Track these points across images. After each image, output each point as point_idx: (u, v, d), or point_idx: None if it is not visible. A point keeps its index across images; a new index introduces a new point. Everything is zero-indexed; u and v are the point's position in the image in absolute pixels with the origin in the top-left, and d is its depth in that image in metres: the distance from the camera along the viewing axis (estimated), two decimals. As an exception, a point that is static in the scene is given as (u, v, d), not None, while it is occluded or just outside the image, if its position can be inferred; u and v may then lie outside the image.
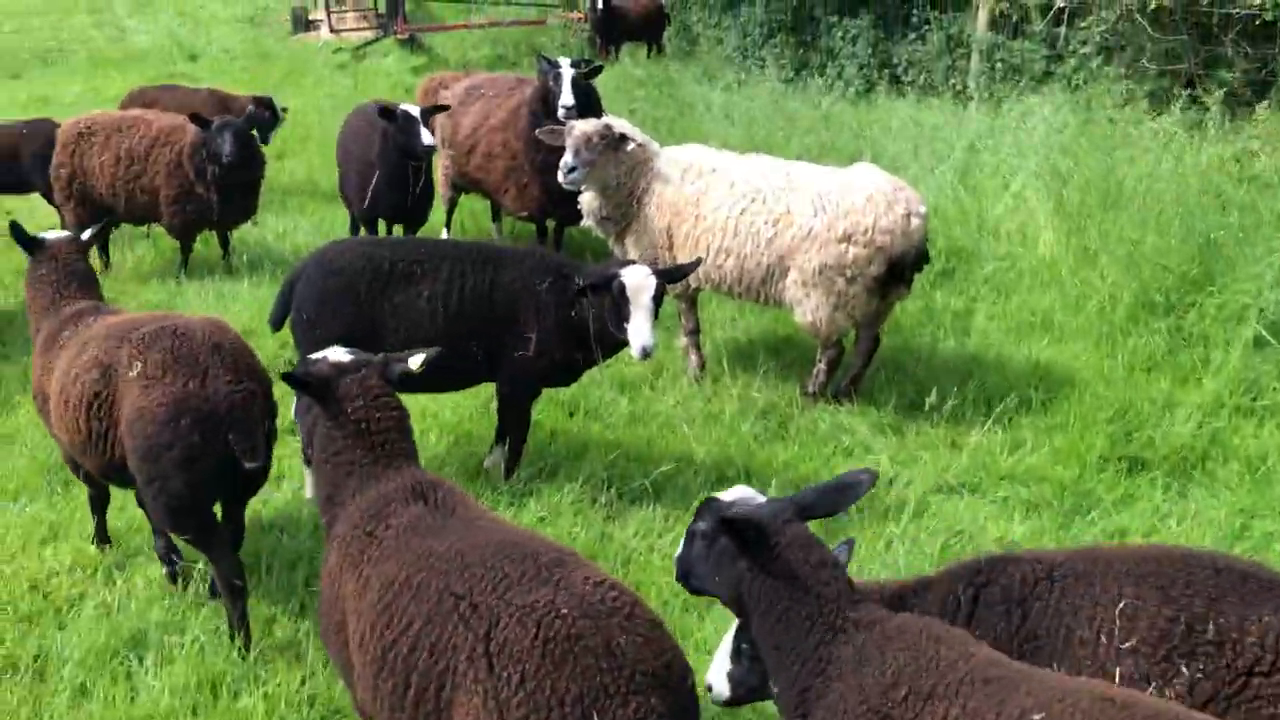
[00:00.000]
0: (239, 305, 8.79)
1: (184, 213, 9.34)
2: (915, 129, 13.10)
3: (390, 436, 3.86)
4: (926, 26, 16.95)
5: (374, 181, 8.74)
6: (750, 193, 7.22)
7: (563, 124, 8.67)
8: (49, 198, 10.64)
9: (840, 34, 17.98)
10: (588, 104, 9.19)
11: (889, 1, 18.03)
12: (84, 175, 9.39)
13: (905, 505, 5.95)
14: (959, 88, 16.17)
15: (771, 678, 3.19)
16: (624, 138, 7.50)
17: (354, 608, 3.47)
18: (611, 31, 21.25)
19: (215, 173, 9.10)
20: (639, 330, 5.47)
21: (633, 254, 7.76)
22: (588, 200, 7.82)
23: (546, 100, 9.26)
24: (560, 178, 7.44)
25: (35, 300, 5.58)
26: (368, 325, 5.73)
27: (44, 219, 11.46)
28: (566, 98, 9.01)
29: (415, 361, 4.14)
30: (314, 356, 4.07)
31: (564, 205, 9.46)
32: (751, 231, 7.15)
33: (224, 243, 10.02)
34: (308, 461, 4.44)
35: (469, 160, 9.97)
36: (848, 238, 6.84)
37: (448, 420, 6.88)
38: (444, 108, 8.94)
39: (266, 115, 11.76)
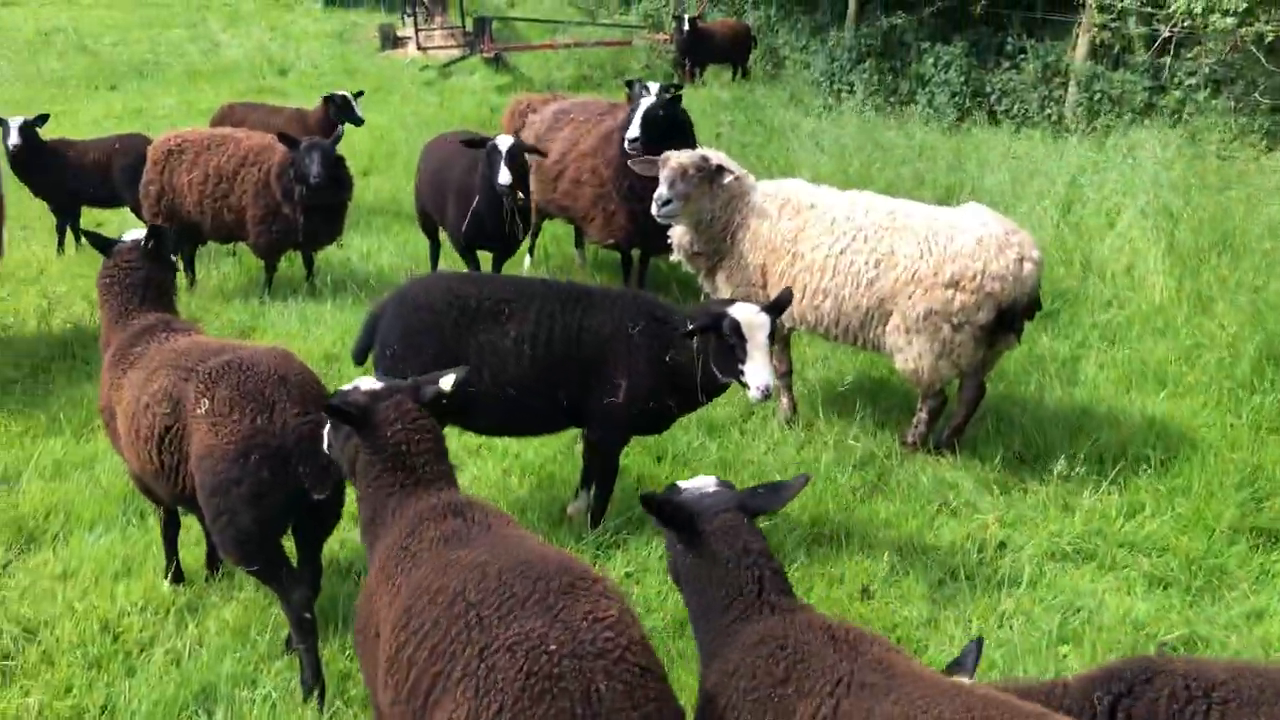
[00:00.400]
0: (322, 328, 8.58)
1: (270, 233, 9.18)
2: (1014, 161, 12.58)
3: (428, 458, 3.82)
4: (1022, 55, 16.40)
5: (473, 207, 8.48)
6: (851, 231, 6.84)
7: (638, 153, 8.43)
8: (138, 212, 10.57)
9: (932, 61, 17.49)
10: (667, 133, 8.79)
11: (982, 29, 17.50)
12: (172, 192, 9.29)
13: (1019, 575, 5.51)
14: (1054, 118, 15.61)
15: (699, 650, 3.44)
16: (721, 170, 7.16)
17: (385, 617, 3.43)
18: (697, 53, 20.95)
19: (302, 193, 8.94)
20: (757, 371, 5.06)
21: (724, 291, 7.42)
22: (679, 234, 7.50)
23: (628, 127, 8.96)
24: (654, 210, 7.12)
25: (104, 308, 5.39)
26: (452, 363, 5.42)
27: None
28: (632, 129, 8.66)
29: (446, 382, 4.05)
30: (345, 387, 3.99)
31: (651, 235, 9.15)
32: (851, 272, 6.76)
33: (308, 264, 9.85)
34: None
35: (556, 186, 9.70)
36: (955, 283, 6.42)
37: (529, 461, 6.58)
38: (540, 151, 8.71)
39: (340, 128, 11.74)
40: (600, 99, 11.35)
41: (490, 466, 6.58)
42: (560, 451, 6.67)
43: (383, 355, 5.53)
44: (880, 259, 6.69)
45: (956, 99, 16.90)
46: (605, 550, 5.65)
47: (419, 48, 24.29)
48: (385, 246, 11.05)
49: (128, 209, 10.99)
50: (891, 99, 18.07)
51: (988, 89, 16.69)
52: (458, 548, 3.41)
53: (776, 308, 5.30)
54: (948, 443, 6.94)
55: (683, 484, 3.62)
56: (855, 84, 18.70)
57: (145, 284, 5.30)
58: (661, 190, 7.05)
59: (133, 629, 5.04)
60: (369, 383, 4.00)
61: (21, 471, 6.52)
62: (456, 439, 5.90)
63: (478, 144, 8.36)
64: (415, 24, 24.62)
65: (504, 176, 8.11)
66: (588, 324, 5.46)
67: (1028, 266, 6.44)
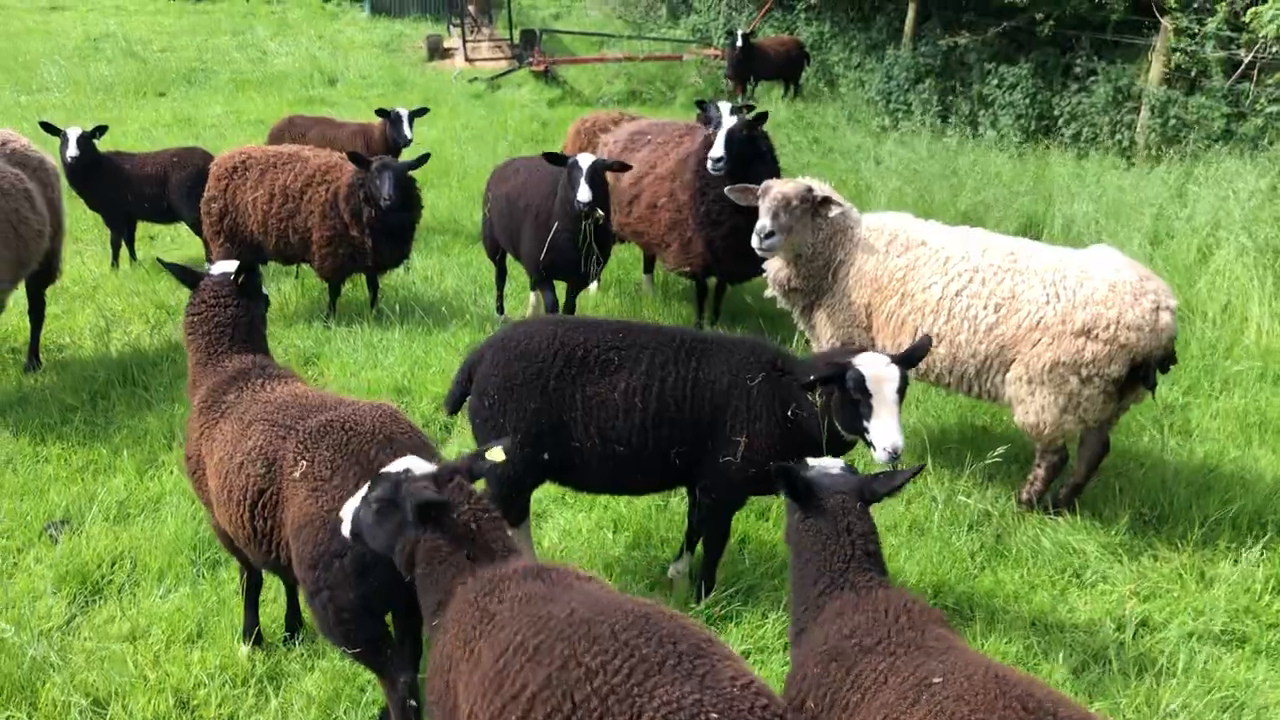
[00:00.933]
0: (391, 358, 8.12)
1: (336, 256, 8.74)
2: (1092, 188, 12.02)
3: (496, 535, 3.60)
4: (1092, 78, 15.81)
5: (551, 233, 7.99)
6: (967, 270, 6.33)
7: (722, 174, 7.97)
8: (196, 229, 10.18)
9: (995, 82, 16.93)
10: (750, 157, 8.33)
11: (1048, 50, 16.93)
12: (235, 211, 8.86)
13: (1169, 660, 4.98)
14: (1125, 144, 15.03)
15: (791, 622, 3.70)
16: (827, 201, 6.67)
17: (465, 685, 3.21)
18: (749, 69, 20.45)
19: (371, 215, 8.50)
20: (885, 429, 4.55)
21: (824, 331, 6.92)
22: (775, 268, 7.01)
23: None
24: (755, 244, 6.63)
25: (191, 347, 4.88)
26: (555, 418, 4.96)
27: (186, 248, 11.06)
28: (717, 149, 8.17)
29: (496, 453, 3.83)
30: (391, 471, 3.65)
31: (729, 263, 8.71)
32: (968, 316, 6.25)
33: (373, 287, 9.39)
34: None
35: (630, 210, 9.24)
36: (1086, 332, 5.90)
37: (623, 514, 6.08)
38: (625, 166, 8.14)
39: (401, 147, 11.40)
40: (677, 120, 10.85)
41: (579, 518, 6.10)
42: (658, 504, 6.17)
43: (479, 406, 5.04)
44: (1001, 303, 6.17)
45: (1021, 121, 16.33)
46: (718, 624, 5.14)
47: (466, 59, 23.93)
48: (448, 268, 10.59)
49: (184, 224, 10.62)
50: (951, 120, 17.54)
51: (1055, 112, 16.11)
52: (547, 605, 3.21)
53: (908, 360, 4.78)
54: (1066, 502, 6.41)
55: (812, 461, 3.82)
56: (913, 104, 18.19)
57: (235, 323, 4.83)
58: (763, 222, 6.57)
59: (210, 702, 4.58)
60: (420, 465, 3.69)
61: (84, 512, 6.09)
62: (543, 487, 5.42)
63: (558, 160, 7.89)
64: (463, 35, 24.25)
65: (584, 193, 7.61)
66: (704, 376, 4.96)
67: (1164, 316, 5.90)
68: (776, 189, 6.62)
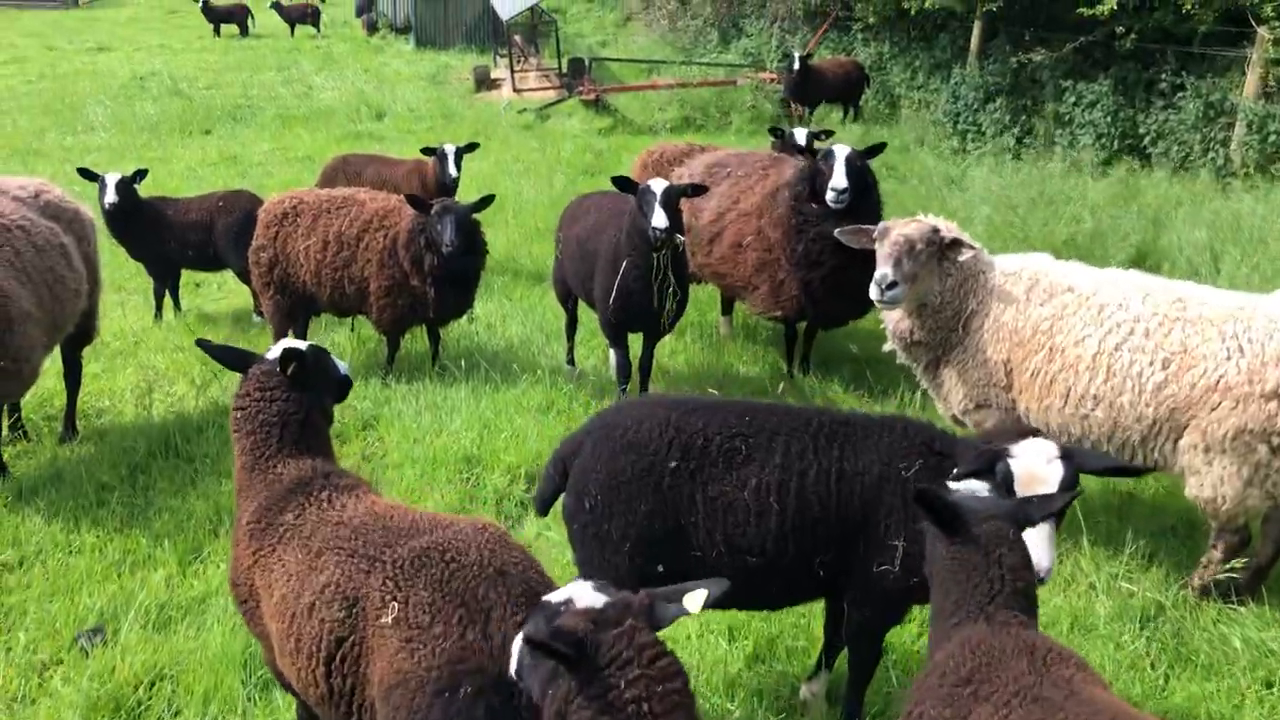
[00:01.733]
0: (457, 421, 7.29)
1: (395, 307, 7.95)
2: (1205, 212, 11.02)
3: (676, 716, 2.58)
4: (1180, 93, 14.79)
5: (621, 273, 7.13)
6: (1127, 320, 5.41)
7: (844, 206, 7.13)
8: (244, 278, 9.45)
9: (1073, 100, 15.94)
10: (864, 190, 7.52)
11: (1128, 65, 15.93)
12: (286, 260, 8.10)
13: None
14: (1219, 162, 13.99)
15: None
16: (956, 244, 5.79)
17: None
18: (807, 93, 19.61)
19: (433, 263, 7.71)
20: (1034, 546, 3.56)
21: (953, 391, 6.01)
22: (895, 319, 6.12)
23: (814, 183, 7.62)
24: (875, 295, 5.75)
25: (239, 448, 4.04)
26: (671, 522, 4.07)
27: (234, 299, 10.32)
28: (839, 179, 7.34)
29: (695, 603, 2.84)
30: (554, 599, 2.80)
31: (827, 307, 7.85)
32: (1131, 374, 5.33)
33: (434, 340, 8.59)
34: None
35: (711, 249, 8.40)
36: (1279, 394, 4.97)
37: (738, 618, 5.18)
38: (701, 189, 7.24)
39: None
40: (757, 150, 9.99)
41: (683, 621, 5.20)
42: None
43: (578, 509, 4.16)
44: (1170, 358, 5.25)
45: (1103, 140, 15.33)
46: (868, 762, 4.25)
47: (514, 89, 23.26)
48: (511, 314, 9.78)
49: (231, 273, 9.90)
50: (1025, 140, 16.57)
51: (1140, 130, 15.09)
52: None
53: (1082, 464, 3.82)
54: (1250, 588, 5.45)
55: (954, 485, 3.38)
56: (984, 124, 17.24)
57: (288, 421, 4.00)
58: (884, 271, 5.69)
59: None
60: (587, 595, 2.77)
61: (120, 614, 5.29)
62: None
63: (628, 186, 7.04)
64: (510, 65, 23.60)
65: (659, 218, 6.71)
66: (850, 466, 4.06)
67: (1377, 375, 4.96)
68: (898, 231, 5.75)
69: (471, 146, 11.03)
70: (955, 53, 19.39)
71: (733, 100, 20.84)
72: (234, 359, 4.16)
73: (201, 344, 4.25)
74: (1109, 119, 15.33)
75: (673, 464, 4.05)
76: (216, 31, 31.40)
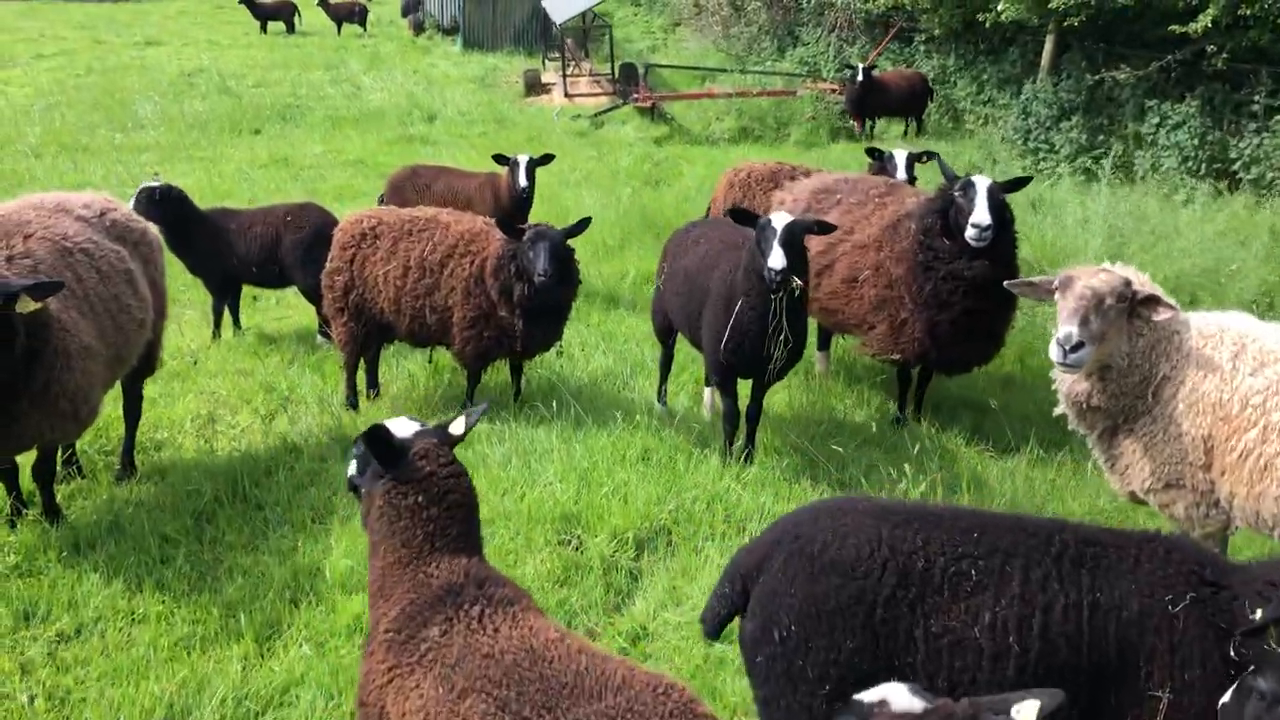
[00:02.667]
0: (549, 469, 6.50)
1: (480, 339, 7.18)
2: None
3: None
4: (1277, 116, 13.87)
5: (735, 314, 6.32)
6: (1360, 397, 4.59)
7: (987, 243, 6.33)
8: (310, 298, 8.72)
9: (1156, 120, 15.03)
10: (1002, 226, 6.71)
11: (1215, 85, 15.00)
12: (364, 285, 7.34)
13: None
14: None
15: None
16: (1151, 301, 4.97)
17: None
18: (868, 105, 18.79)
19: (523, 293, 6.94)
20: None
21: (1137, 466, 5.18)
22: (1069, 382, 5.29)
23: (946, 215, 6.80)
24: (1056, 355, 4.93)
25: (389, 540, 3.32)
26: (883, 662, 3.27)
27: (296, 315, 9.56)
28: (981, 214, 6.53)
29: (1028, 715, 2.40)
30: (866, 699, 2.40)
31: (954, 351, 7.04)
32: (1366, 461, 4.50)
33: (516, 374, 7.82)
34: None
35: (820, 283, 7.59)
36: None
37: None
38: (828, 226, 6.41)
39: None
40: (866, 174, 9.15)
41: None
42: None
43: (764, 639, 3.33)
44: None
45: (1189, 164, 14.43)
46: None
47: (566, 95, 22.49)
48: (590, 341, 9.00)
49: (297, 291, 9.14)
50: (1102, 161, 15.68)
51: (1232, 154, 14.18)
52: None
53: None
54: None
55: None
56: (1058, 143, 16.35)
57: (455, 510, 3.31)
58: (1069, 329, 4.87)
59: None
60: (903, 698, 2.42)
61: (191, 708, 4.53)
62: None
63: (746, 219, 6.23)
64: (563, 71, 22.82)
65: (776, 258, 5.91)
66: (1103, 598, 3.26)
67: None
68: (1084, 283, 4.93)
69: (546, 158, 10.28)
70: (1025, 67, 18.50)
71: (791, 111, 20.04)
72: (388, 450, 3.34)
73: (364, 437, 3.33)
74: (1196, 141, 14.42)
75: (887, 591, 3.25)
76: (263, 28, 30.75)
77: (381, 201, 10.87)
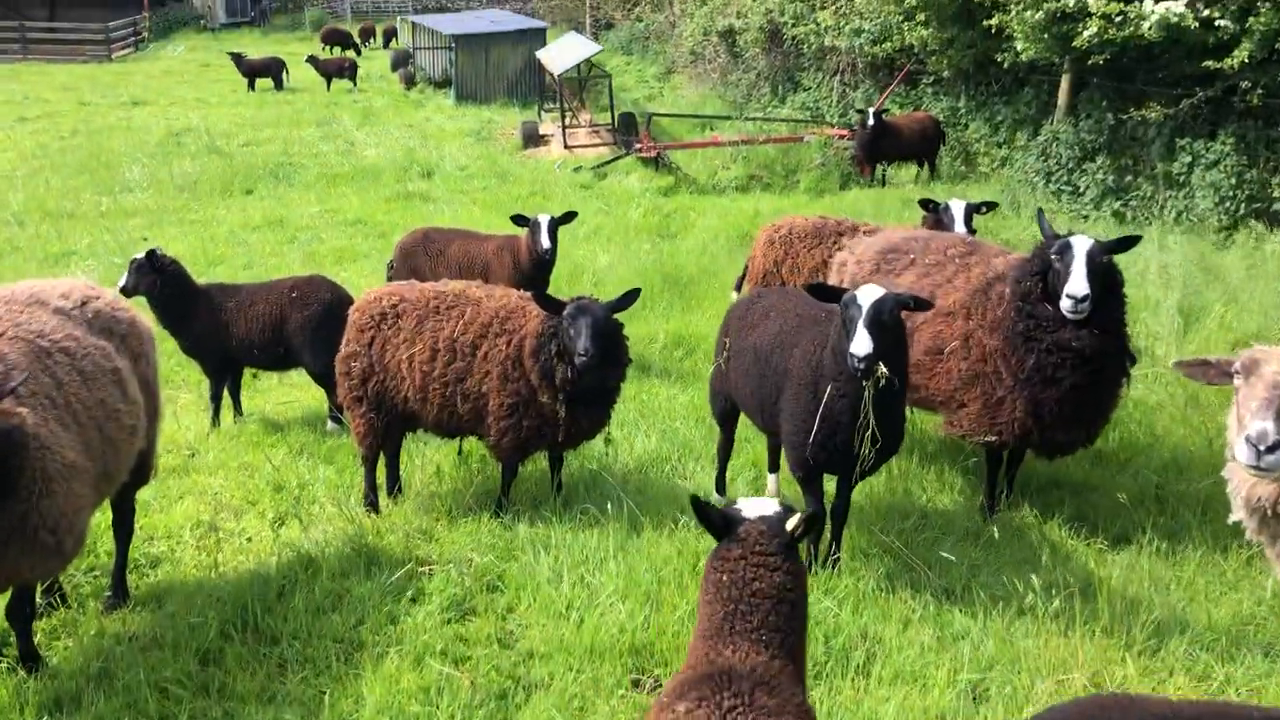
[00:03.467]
0: (608, 585, 5.54)
1: (519, 429, 6.23)
2: None
3: None
4: (1321, 154, 13.12)
5: (823, 406, 5.40)
6: None
7: (1083, 315, 5.48)
8: (321, 380, 7.82)
9: (1189, 159, 14.28)
10: (1107, 292, 5.85)
11: (1247, 122, 14.27)
12: (384, 372, 6.41)
13: None
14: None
15: None
16: (1356, 391, 4.08)
17: None
18: (881, 150, 18.03)
19: (566, 375, 6.02)
20: None
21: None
22: (1247, 483, 4.38)
23: (1046, 279, 5.94)
24: (1247, 456, 4.02)
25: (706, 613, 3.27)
26: None
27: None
28: (1077, 284, 5.70)
29: None
30: None
31: (1055, 432, 6.16)
32: None
33: (557, 467, 6.85)
34: None
35: (894, 355, 6.68)
36: None
37: None
38: (925, 303, 5.49)
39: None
40: (932, 229, 8.25)
41: None
42: None
43: None
44: None
45: (1227, 204, 13.65)
46: None
47: (565, 146, 21.72)
48: (632, 420, 8.06)
49: (304, 373, 8.22)
50: (1131, 203, 14.91)
51: (1274, 192, 13.41)
52: None
53: None
54: None
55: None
56: (1083, 185, 15.58)
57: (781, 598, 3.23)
58: (1264, 425, 3.98)
59: None
60: None
61: None
62: None
63: (829, 295, 5.33)
64: (563, 122, 22.06)
65: (861, 343, 4.99)
66: None
67: None
68: (1276, 370, 4.04)
69: (569, 216, 9.40)
70: (1039, 108, 17.79)
71: (799, 157, 19.28)
72: (719, 520, 3.34)
73: (696, 506, 3.32)
74: (1233, 180, 13.66)
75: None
76: (251, 86, 29.99)
77: (390, 268, 9.99)
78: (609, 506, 6.33)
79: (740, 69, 24.86)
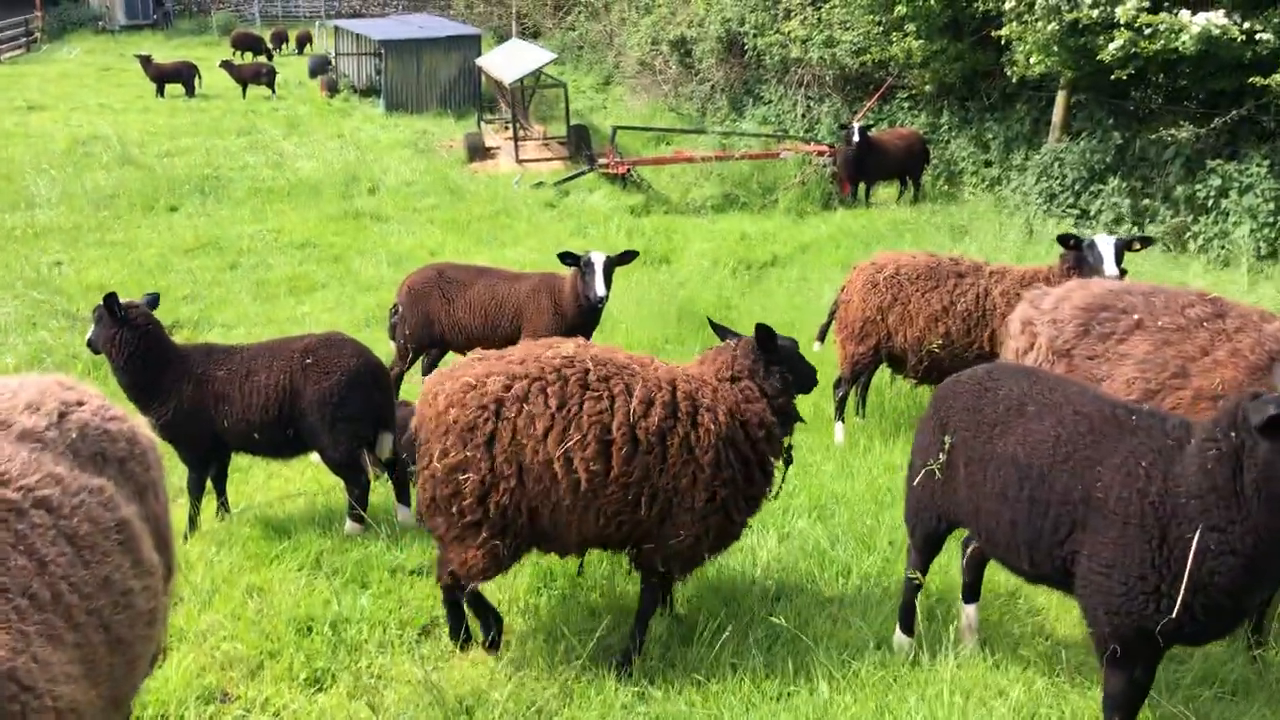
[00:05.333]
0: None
1: (731, 524, 4.37)
2: None
3: None
4: (1371, 179, 12.06)
5: (1194, 554, 3.58)
6: None
7: None
8: (343, 471, 5.88)
9: (1217, 182, 13.13)
10: None
11: (1267, 144, 13.20)
12: (515, 481, 4.39)
13: None
14: None
15: None
16: None
17: None
18: (865, 168, 16.60)
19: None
20: None
21: None
22: None
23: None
24: None
25: None
26: None
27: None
28: None
29: None
30: None
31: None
32: None
33: (665, 587, 5.03)
34: None
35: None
36: None
37: None
38: None
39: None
40: (1168, 284, 6.60)
41: None
42: None
43: None
44: None
45: (1267, 231, 12.52)
46: None
47: (517, 160, 19.80)
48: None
49: (320, 462, 6.22)
50: (1147, 229, 13.70)
51: (1318, 220, 12.34)
52: None
53: None
54: None
55: None
56: (1094, 209, 14.35)
57: None
58: None
59: None
60: None
61: None
62: None
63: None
64: (514, 134, 20.12)
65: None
66: None
67: None
68: None
69: (628, 256, 7.60)
70: (1032, 124, 16.58)
71: (776, 175, 17.72)
72: None
73: None
74: (1272, 206, 12.53)
75: None
76: (160, 91, 27.19)
77: (395, 313, 8.05)
78: (769, 647, 4.55)
79: (694, 80, 23.21)
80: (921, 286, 7.16)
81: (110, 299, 5.75)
